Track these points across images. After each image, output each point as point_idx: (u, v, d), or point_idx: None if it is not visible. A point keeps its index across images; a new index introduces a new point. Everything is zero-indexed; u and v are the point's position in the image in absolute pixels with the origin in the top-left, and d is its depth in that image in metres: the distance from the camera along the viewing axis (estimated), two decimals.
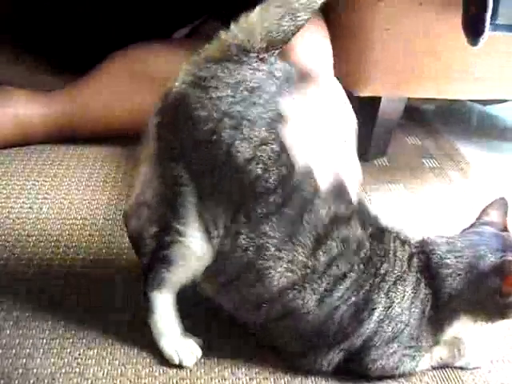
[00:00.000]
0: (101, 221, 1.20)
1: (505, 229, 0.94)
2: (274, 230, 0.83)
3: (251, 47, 0.85)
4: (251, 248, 0.83)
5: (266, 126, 0.82)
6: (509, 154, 1.73)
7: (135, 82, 1.41)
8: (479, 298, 0.88)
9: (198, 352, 0.90)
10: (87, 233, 1.16)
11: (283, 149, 0.82)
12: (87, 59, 1.47)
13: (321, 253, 0.84)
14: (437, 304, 0.88)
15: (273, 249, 0.83)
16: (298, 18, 0.86)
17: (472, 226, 0.95)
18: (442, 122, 1.84)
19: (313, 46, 1.09)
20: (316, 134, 0.88)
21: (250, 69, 0.84)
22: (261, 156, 0.82)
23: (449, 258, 0.88)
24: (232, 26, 0.86)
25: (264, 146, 0.82)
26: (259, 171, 0.82)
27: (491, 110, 1.97)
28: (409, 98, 1.57)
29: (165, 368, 0.88)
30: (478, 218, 0.95)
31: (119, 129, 1.42)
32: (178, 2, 1.51)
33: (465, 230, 0.95)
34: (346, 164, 0.89)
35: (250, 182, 0.82)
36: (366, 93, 1.42)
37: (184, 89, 0.84)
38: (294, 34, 0.88)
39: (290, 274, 0.84)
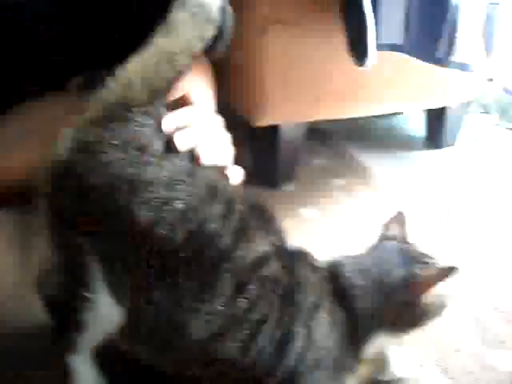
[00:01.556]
0: (10, 285, 1.16)
1: (406, 241, 0.96)
2: (189, 282, 0.80)
3: (132, 100, 0.82)
4: (167, 302, 0.80)
5: (165, 185, 0.79)
6: (414, 162, 1.79)
7: (28, 140, 1.37)
8: (392, 313, 0.89)
9: None
10: None
11: (189, 205, 0.79)
12: None
13: (240, 299, 0.82)
14: (353, 324, 0.89)
15: (189, 301, 0.80)
16: (177, 63, 0.83)
17: (376, 242, 0.96)
18: (347, 140, 1.88)
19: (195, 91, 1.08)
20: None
21: (136, 126, 0.81)
22: (165, 217, 0.78)
23: (357, 279, 0.89)
24: (109, 82, 0.82)
25: (166, 207, 0.78)
26: (165, 232, 0.78)
27: (392, 122, 2.03)
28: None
29: None
30: (380, 234, 0.97)
31: (13, 189, 1.38)
32: (66, 52, 1.48)
33: (369, 247, 0.96)
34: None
35: (157, 244, 0.78)
36: (263, 123, 1.44)
37: (70, 156, 0.80)
38: (175, 81, 0.85)
39: (208, 325, 0.82)
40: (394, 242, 0.95)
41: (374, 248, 0.96)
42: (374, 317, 0.89)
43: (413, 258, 0.91)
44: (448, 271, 0.87)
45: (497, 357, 1.06)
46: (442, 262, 0.91)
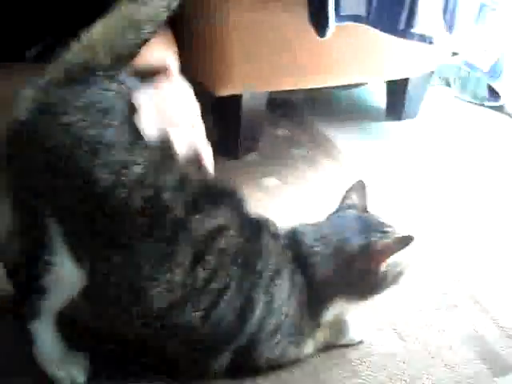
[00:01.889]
0: None
1: (365, 210, 0.98)
2: (149, 251, 0.81)
3: (96, 65, 0.82)
4: (127, 269, 0.81)
5: (125, 148, 0.79)
6: (375, 133, 1.81)
7: None
8: (350, 280, 0.92)
9: (86, 366, 0.90)
10: None
11: (148, 170, 0.80)
12: None
13: (199, 269, 0.83)
14: (312, 291, 0.91)
15: (149, 269, 0.81)
16: (143, 31, 0.84)
17: (336, 210, 0.98)
18: (310, 111, 1.88)
19: (159, 54, 1.07)
20: (170, 117, 0.87)
21: (100, 89, 0.81)
22: (123, 180, 0.78)
23: (317, 246, 0.92)
24: (73, 45, 0.82)
25: (125, 170, 0.78)
26: (123, 195, 0.78)
27: (354, 93, 2.04)
28: (276, 92, 1.59)
29: None
30: (340, 203, 0.99)
31: None
32: (26, 19, 1.45)
33: (330, 215, 0.98)
34: (197, 141, 0.90)
35: (115, 207, 0.79)
36: (225, 92, 1.44)
37: (30, 117, 0.79)
38: (140, 48, 0.85)
39: (168, 294, 0.82)
40: (354, 211, 0.97)
41: (334, 216, 0.98)
42: (332, 283, 0.92)
43: (371, 227, 0.93)
44: (405, 240, 0.89)
45: (449, 321, 1.10)
46: (400, 230, 0.94)
